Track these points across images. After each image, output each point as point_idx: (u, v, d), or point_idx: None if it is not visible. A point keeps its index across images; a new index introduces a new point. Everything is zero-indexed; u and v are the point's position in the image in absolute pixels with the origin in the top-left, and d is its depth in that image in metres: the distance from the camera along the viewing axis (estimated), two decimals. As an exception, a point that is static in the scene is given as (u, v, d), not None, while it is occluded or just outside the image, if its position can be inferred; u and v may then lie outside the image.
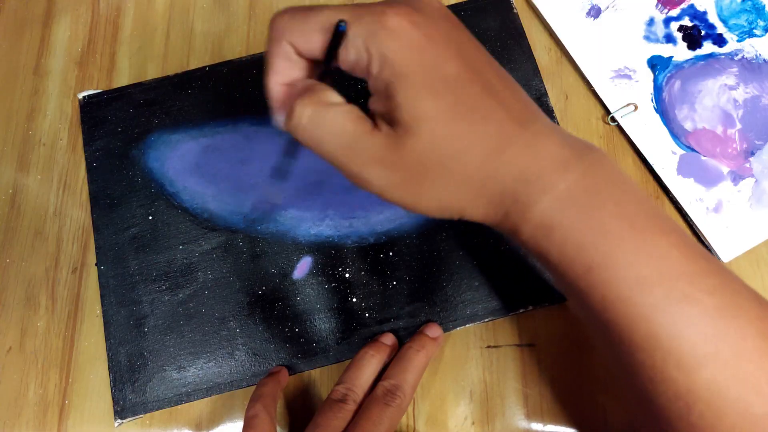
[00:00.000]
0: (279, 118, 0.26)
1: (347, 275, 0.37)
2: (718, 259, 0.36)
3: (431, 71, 0.22)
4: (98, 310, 0.37)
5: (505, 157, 0.23)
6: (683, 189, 0.37)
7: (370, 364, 0.32)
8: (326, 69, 0.24)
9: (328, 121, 0.23)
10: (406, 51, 0.22)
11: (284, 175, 0.31)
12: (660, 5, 0.42)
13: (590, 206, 0.23)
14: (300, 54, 0.24)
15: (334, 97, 0.24)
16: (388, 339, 0.35)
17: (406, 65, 0.22)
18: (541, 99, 0.40)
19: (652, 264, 0.22)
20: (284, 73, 0.25)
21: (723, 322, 0.22)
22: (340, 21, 0.22)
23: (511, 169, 0.23)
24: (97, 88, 0.42)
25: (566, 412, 0.34)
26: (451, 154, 0.23)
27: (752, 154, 0.38)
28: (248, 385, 0.35)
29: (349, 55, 0.23)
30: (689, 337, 0.22)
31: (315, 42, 0.23)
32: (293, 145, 0.28)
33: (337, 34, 0.23)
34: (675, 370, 0.22)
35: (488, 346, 0.36)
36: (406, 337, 0.36)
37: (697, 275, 0.22)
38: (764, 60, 0.40)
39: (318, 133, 0.24)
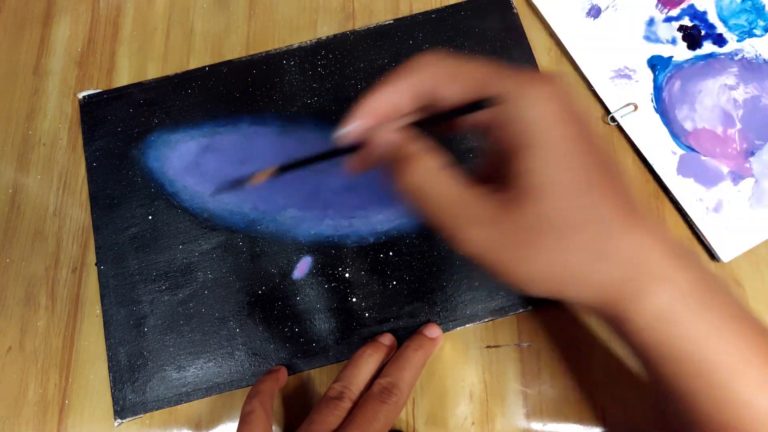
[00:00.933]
0: (352, 126, 0.25)
1: (347, 275, 0.37)
2: (720, 259, 0.36)
3: (564, 144, 0.22)
4: (98, 310, 0.37)
5: (616, 239, 0.22)
6: (683, 189, 0.37)
7: (367, 363, 0.32)
8: (442, 118, 0.25)
9: (434, 185, 0.24)
10: (544, 118, 0.22)
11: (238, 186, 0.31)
12: (660, 5, 0.42)
13: (703, 301, 0.22)
14: (420, 93, 0.24)
15: (442, 160, 0.24)
16: (387, 339, 0.35)
17: (541, 132, 0.22)
18: (541, 99, 0.40)
19: (760, 367, 0.22)
20: (391, 102, 0.25)
21: None
22: (495, 98, 0.22)
23: (627, 253, 0.22)
24: (97, 88, 0.42)
25: (566, 412, 0.34)
26: (561, 225, 0.22)
27: (752, 154, 0.38)
28: (248, 385, 0.35)
29: (485, 113, 0.23)
30: None
31: (455, 91, 0.24)
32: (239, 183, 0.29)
33: (486, 102, 0.23)
34: None
35: (488, 346, 0.36)
36: (405, 337, 0.36)
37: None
38: (764, 60, 0.40)
39: (422, 197, 0.24)
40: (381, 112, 0.25)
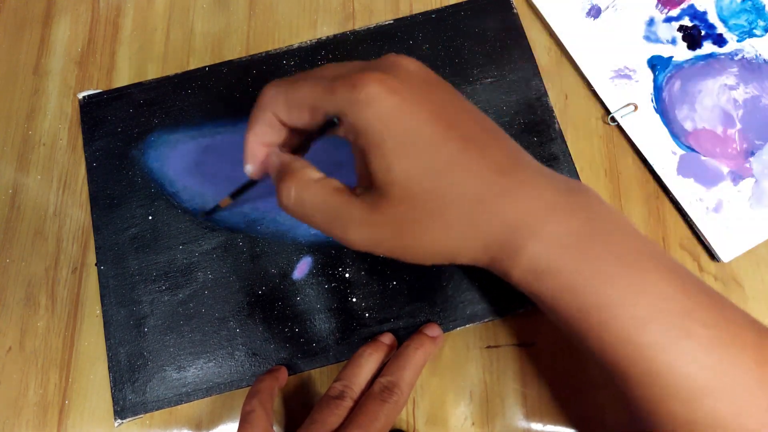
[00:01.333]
0: (249, 167, 0.30)
1: (347, 275, 0.37)
2: (720, 259, 0.36)
3: (404, 136, 0.23)
4: (98, 310, 0.37)
5: (488, 206, 0.23)
6: (683, 189, 0.37)
7: (368, 362, 0.32)
8: (306, 142, 0.28)
9: (311, 197, 0.26)
10: (378, 119, 0.23)
11: (237, 196, 0.34)
12: (660, 5, 0.42)
13: (580, 248, 0.23)
14: (280, 123, 0.27)
15: (313, 173, 0.27)
16: (387, 338, 0.35)
17: (379, 133, 0.23)
18: (540, 99, 0.40)
19: (647, 302, 0.22)
20: (264, 137, 0.28)
21: (721, 353, 0.22)
22: (332, 117, 0.24)
23: (496, 218, 0.24)
24: (97, 88, 0.42)
25: (566, 412, 0.34)
26: (430, 209, 0.24)
27: (752, 154, 0.38)
28: (248, 385, 0.35)
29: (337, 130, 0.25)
30: (688, 372, 0.22)
31: (297, 117, 0.26)
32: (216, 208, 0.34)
33: (327, 123, 0.25)
34: (675, 404, 0.22)
35: (488, 346, 0.36)
36: (405, 337, 0.36)
37: (694, 310, 0.23)
38: (764, 60, 0.40)
39: (304, 210, 0.26)
40: (261, 153, 0.29)
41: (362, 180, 0.27)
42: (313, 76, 0.26)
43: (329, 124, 0.25)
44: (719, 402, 0.22)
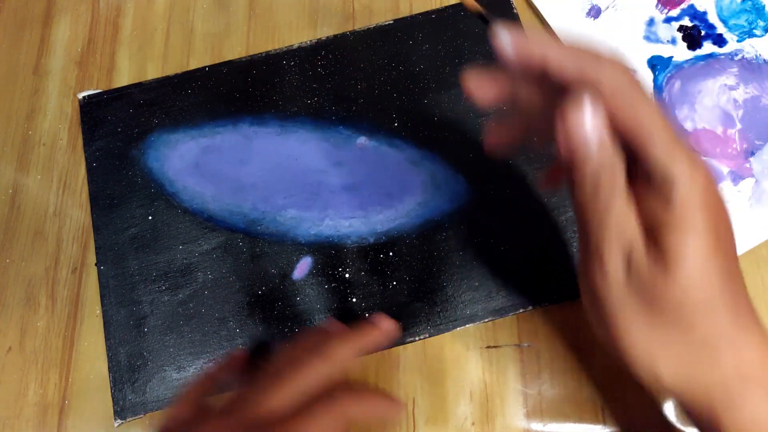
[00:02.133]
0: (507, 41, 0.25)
1: (347, 275, 0.37)
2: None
3: (716, 231, 0.22)
4: (98, 310, 0.37)
5: (735, 336, 0.22)
6: (683, 189, 0.37)
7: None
8: None
9: (617, 226, 0.22)
10: (702, 203, 0.21)
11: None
12: (660, 5, 0.42)
13: None
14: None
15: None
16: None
17: (698, 215, 0.21)
18: (541, 99, 0.40)
19: None
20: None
21: None
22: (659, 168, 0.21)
23: (736, 355, 0.22)
24: (97, 88, 0.42)
25: (566, 412, 0.34)
26: (698, 307, 0.22)
27: (752, 154, 0.38)
28: (248, 385, 0.35)
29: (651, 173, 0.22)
30: None
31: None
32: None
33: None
34: None
35: (488, 346, 0.36)
36: (406, 337, 0.36)
37: None
38: (764, 60, 0.40)
39: (604, 217, 0.23)
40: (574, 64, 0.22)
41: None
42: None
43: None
44: None
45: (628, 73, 0.21)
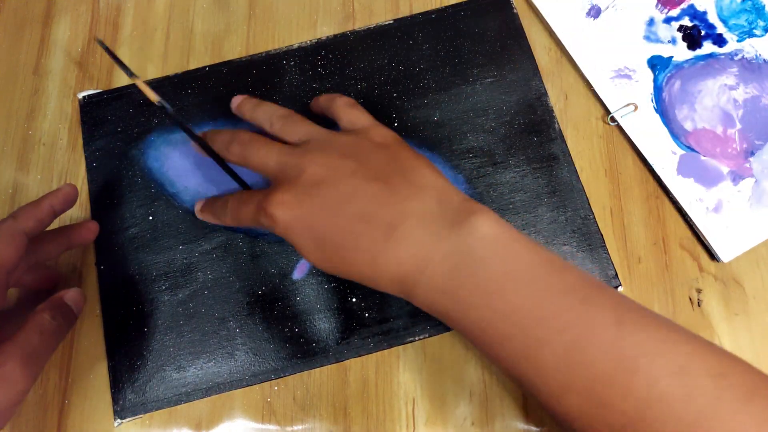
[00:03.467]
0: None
1: (347, 275, 0.37)
2: (720, 259, 0.36)
3: (307, 235, 0.30)
4: (98, 310, 0.37)
5: (378, 268, 0.29)
6: (683, 189, 0.37)
7: None
8: None
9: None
10: (286, 231, 0.31)
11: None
12: (660, 5, 0.42)
13: (451, 287, 0.28)
14: None
15: None
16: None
17: (289, 237, 0.31)
18: (540, 99, 0.40)
19: (504, 321, 0.27)
20: None
21: (572, 353, 0.25)
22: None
23: (388, 275, 0.29)
24: (97, 88, 0.42)
25: (566, 412, 0.34)
26: (342, 272, 0.31)
27: (752, 154, 0.38)
28: (248, 385, 0.35)
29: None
30: (546, 376, 0.26)
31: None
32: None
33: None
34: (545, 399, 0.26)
35: (488, 346, 0.36)
36: (406, 336, 0.36)
37: (549, 318, 0.26)
38: (764, 60, 0.40)
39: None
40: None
41: None
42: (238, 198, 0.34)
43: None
44: (577, 396, 0.26)
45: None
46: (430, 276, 0.28)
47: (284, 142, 0.34)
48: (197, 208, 0.37)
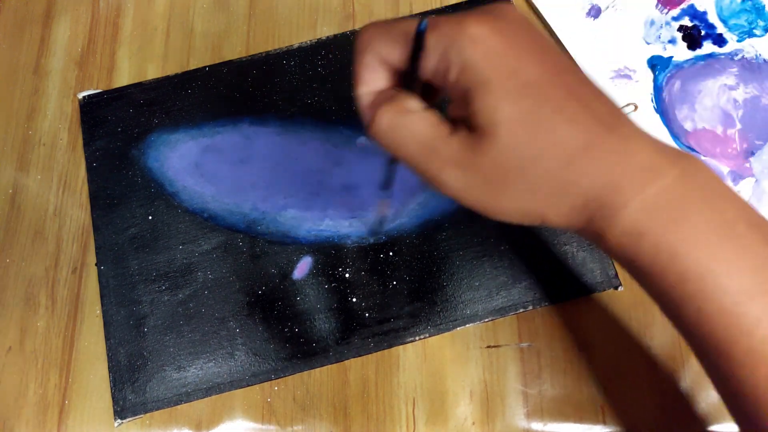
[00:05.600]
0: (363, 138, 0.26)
1: (347, 275, 0.37)
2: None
3: (511, 76, 0.22)
4: (98, 310, 0.37)
5: (589, 160, 0.22)
6: (683, 189, 0.37)
7: None
8: (410, 77, 0.25)
9: (406, 125, 0.24)
10: (485, 57, 0.22)
11: (389, 185, 0.32)
12: (660, 5, 0.42)
13: (684, 213, 0.22)
14: (386, 63, 0.25)
15: (414, 103, 0.24)
16: None
17: (485, 71, 0.22)
18: (541, 99, 0.40)
19: (754, 274, 0.21)
20: (371, 83, 0.25)
21: None
22: (421, 21, 0.22)
23: (597, 173, 0.22)
24: (97, 88, 0.42)
25: (566, 412, 0.34)
26: (531, 157, 0.22)
27: (752, 154, 0.38)
28: (248, 385, 0.35)
29: (430, 63, 0.23)
30: None
31: (398, 50, 0.24)
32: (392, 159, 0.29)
33: (419, 39, 0.23)
34: None
35: (488, 346, 0.36)
36: (406, 336, 0.36)
37: None
38: (764, 60, 0.40)
39: (396, 137, 0.24)
40: (375, 99, 0.25)
41: (459, 124, 0.25)
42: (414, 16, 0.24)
43: (419, 40, 0.23)
44: None
45: (369, 28, 0.25)
46: (657, 192, 0.22)
47: None
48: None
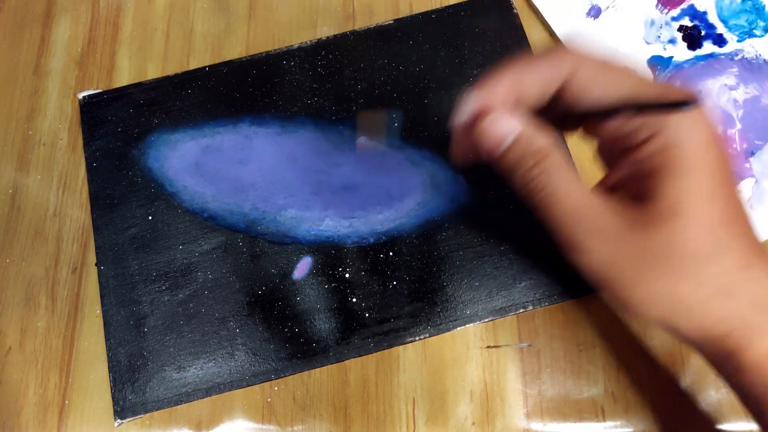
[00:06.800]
0: (459, 117, 0.24)
1: (347, 275, 0.37)
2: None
3: (715, 174, 0.21)
4: (98, 310, 0.37)
5: (746, 276, 0.21)
6: (683, 189, 0.37)
7: None
8: (575, 118, 0.23)
9: (567, 185, 0.23)
10: (700, 146, 0.21)
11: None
12: (660, 5, 0.42)
13: None
14: (557, 85, 0.23)
15: (571, 160, 0.24)
16: None
17: (697, 160, 0.21)
18: (541, 99, 0.40)
19: None
20: (522, 83, 0.24)
21: None
22: (691, 97, 0.21)
23: (749, 292, 0.22)
24: (97, 88, 0.42)
25: (566, 412, 0.34)
26: (703, 256, 0.21)
27: (752, 154, 0.38)
28: (248, 385, 0.35)
29: (628, 124, 0.22)
30: None
31: (595, 89, 0.23)
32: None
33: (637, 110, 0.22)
34: None
35: (488, 346, 0.36)
36: (406, 336, 0.36)
37: None
38: (764, 60, 0.40)
39: (552, 197, 0.23)
40: (502, 94, 0.23)
41: (616, 189, 0.24)
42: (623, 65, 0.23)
43: (617, 111, 0.22)
44: None
45: (592, 60, 0.24)
46: None
47: None
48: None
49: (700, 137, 0.21)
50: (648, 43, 0.41)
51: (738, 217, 0.22)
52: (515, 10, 0.42)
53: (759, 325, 0.21)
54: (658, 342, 0.35)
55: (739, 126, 0.39)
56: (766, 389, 0.21)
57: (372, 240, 0.37)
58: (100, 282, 0.37)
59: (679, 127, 0.21)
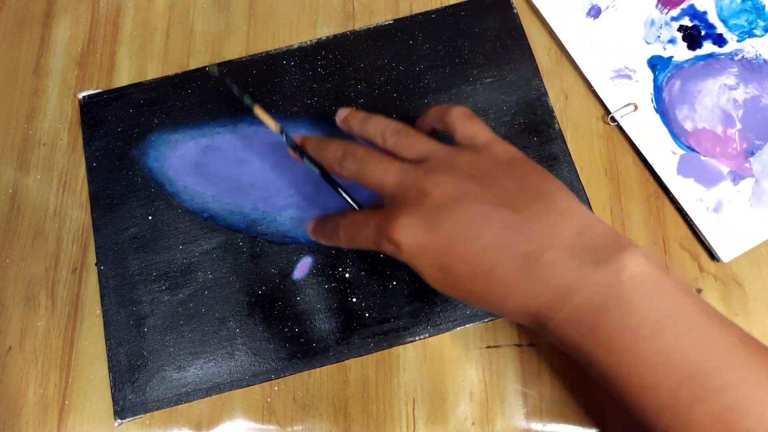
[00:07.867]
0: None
1: (347, 275, 0.37)
2: (720, 259, 0.36)
3: (431, 264, 0.28)
4: (98, 310, 0.37)
5: (510, 301, 0.27)
6: (683, 189, 0.37)
7: None
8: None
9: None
10: (409, 257, 0.28)
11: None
12: (660, 5, 0.42)
13: (593, 325, 0.25)
14: None
15: None
16: None
17: (413, 263, 0.28)
18: (540, 99, 0.40)
19: (653, 370, 0.25)
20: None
21: (730, 415, 0.23)
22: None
23: (520, 307, 0.27)
24: (97, 88, 0.42)
25: (566, 412, 0.34)
26: (469, 300, 0.29)
27: (752, 154, 0.38)
28: (248, 385, 0.35)
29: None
30: None
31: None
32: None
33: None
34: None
35: (488, 346, 0.36)
36: (406, 336, 0.36)
37: (708, 375, 0.24)
38: (764, 60, 0.40)
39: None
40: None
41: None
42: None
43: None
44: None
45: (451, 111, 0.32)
46: (570, 313, 0.26)
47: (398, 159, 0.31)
48: (309, 229, 0.35)
49: (406, 256, 0.28)
50: (648, 43, 0.41)
51: (481, 271, 0.27)
52: (515, 10, 0.42)
53: (547, 314, 0.26)
54: (658, 342, 0.35)
55: (739, 126, 0.39)
56: (567, 347, 0.27)
57: None
58: (100, 282, 0.37)
59: (395, 254, 0.28)
